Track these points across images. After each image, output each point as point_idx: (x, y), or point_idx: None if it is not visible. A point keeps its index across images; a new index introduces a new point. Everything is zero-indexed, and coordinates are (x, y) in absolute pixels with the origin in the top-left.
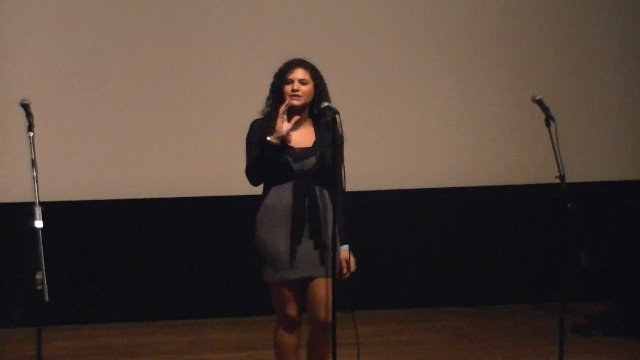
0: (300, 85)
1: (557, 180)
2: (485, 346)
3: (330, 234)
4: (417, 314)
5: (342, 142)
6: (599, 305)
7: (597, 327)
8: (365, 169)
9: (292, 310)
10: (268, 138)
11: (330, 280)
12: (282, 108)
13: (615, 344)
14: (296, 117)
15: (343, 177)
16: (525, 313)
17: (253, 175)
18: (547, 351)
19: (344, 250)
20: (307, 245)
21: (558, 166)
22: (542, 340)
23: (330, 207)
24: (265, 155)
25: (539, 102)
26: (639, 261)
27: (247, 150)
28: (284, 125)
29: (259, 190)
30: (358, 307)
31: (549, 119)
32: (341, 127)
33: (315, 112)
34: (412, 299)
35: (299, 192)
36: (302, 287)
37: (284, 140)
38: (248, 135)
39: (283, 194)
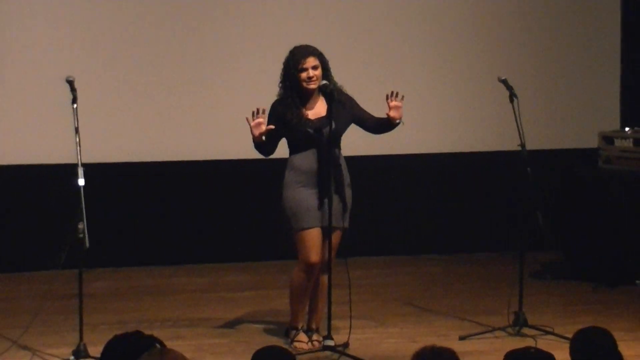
0: (313, 71)
1: (519, 148)
2: (456, 288)
3: (347, 190)
4: (400, 260)
5: (354, 102)
6: (551, 254)
7: (550, 272)
8: (356, 137)
9: (315, 256)
10: (254, 139)
11: (344, 230)
12: (250, 118)
13: (564, 286)
14: (270, 127)
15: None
16: (490, 260)
17: (258, 151)
18: (508, 292)
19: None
20: (332, 200)
21: (520, 136)
22: (503, 283)
23: (345, 167)
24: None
25: (504, 82)
26: (582, 217)
27: None
28: (258, 130)
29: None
30: (350, 254)
31: (512, 96)
32: (346, 94)
33: (320, 87)
34: (396, 248)
35: (322, 157)
36: (324, 234)
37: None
38: (269, 114)
39: (308, 159)
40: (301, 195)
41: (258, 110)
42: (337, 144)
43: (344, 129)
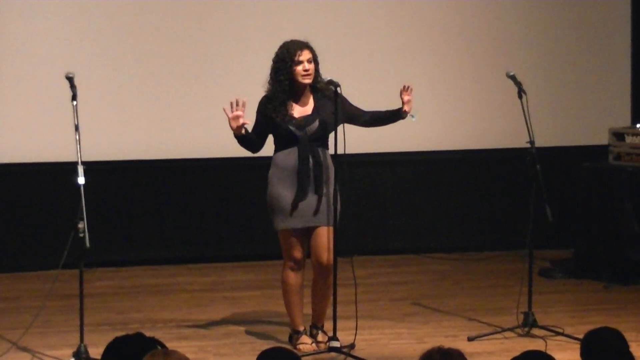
0: (309, 64)
1: (528, 145)
2: (464, 287)
3: (331, 189)
4: (406, 259)
5: (344, 99)
6: (560, 252)
7: (560, 270)
8: (362, 134)
9: (297, 253)
10: (234, 133)
11: (331, 228)
12: (227, 110)
13: (574, 285)
14: (246, 122)
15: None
16: (498, 258)
17: (242, 146)
18: (517, 291)
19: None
20: (311, 199)
21: (528, 132)
22: (512, 282)
23: (332, 166)
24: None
25: (513, 78)
26: (592, 214)
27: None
28: (235, 123)
29: (268, 153)
30: (356, 253)
31: (521, 92)
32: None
33: (312, 84)
34: (402, 246)
35: (303, 155)
36: (306, 234)
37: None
38: (257, 110)
39: (290, 157)
40: (280, 195)
41: (237, 102)
42: (324, 143)
43: (332, 129)
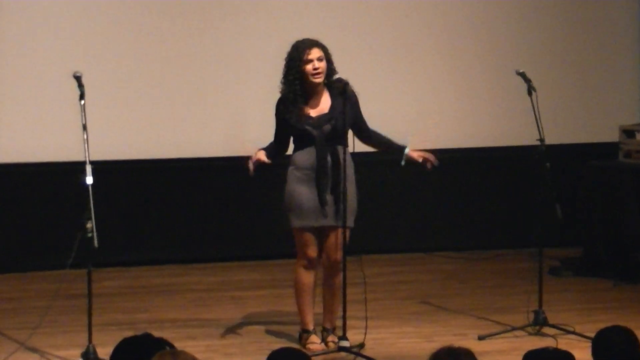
0: (319, 63)
1: (537, 142)
2: (471, 285)
3: (352, 187)
4: (414, 258)
5: (357, 101)
6: (569, 250)
7: (569, 269)
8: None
9: (312, 252)
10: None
11: (345, 229)
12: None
13: (584, 283)
14: (266, 160)
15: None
16: (506, 257)
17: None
18: (525, 290)
19: (411, 151)
20: (328, 199)
21: (538, 130)
22: (520, 281)
23: (351, 164)
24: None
25: (522, 75)
26: (600, 212)
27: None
28: (252, 166)
29: None
30: (364, 252)
31: (530, 89)
32: (352, 90)
33: (326, 82)
34: (410, 245)
35: (321, 154)
36: (321, 233)
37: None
38: (275, 114)
39: (308, 156)
40: (298, 193)
41: (253, 162)
42: (343, 141)
43: (348, 127)
